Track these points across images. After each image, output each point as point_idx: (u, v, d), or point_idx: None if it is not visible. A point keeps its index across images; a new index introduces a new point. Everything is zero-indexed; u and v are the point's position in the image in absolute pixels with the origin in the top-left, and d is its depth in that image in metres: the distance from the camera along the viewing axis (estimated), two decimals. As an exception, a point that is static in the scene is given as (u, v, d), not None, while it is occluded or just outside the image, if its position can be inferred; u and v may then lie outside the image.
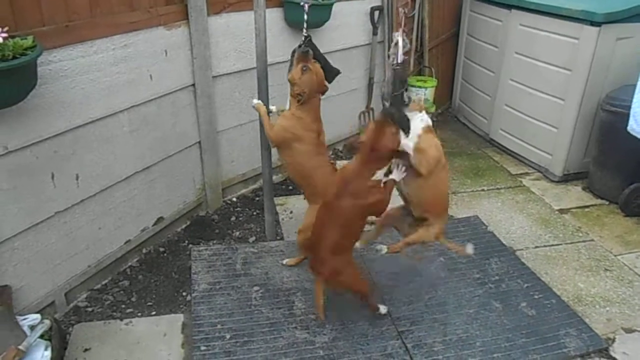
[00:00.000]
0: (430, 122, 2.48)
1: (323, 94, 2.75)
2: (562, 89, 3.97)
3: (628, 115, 3.39)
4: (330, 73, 2.93)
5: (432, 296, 2.80)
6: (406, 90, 2.42)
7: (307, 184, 2.83)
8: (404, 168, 2.43)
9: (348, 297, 2.60)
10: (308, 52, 2.64)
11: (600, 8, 3.64)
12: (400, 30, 2.41)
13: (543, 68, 4.12)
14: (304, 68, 2.61)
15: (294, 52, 2.64)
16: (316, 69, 2.66)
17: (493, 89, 4.75)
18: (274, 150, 3.06)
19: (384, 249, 2.63)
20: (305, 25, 2.77)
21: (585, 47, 3.73)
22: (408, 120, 2.35)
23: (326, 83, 2.74)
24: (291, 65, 2.65)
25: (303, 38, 2.71)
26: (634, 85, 3.34)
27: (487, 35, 4.82)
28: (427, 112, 2.48)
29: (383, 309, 2.63)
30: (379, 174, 2.32)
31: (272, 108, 2.88)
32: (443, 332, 2.57)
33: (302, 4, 2.85)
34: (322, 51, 3.11)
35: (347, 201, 2.31)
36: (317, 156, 2.76)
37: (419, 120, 2.47)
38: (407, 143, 2.38)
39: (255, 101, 2.86)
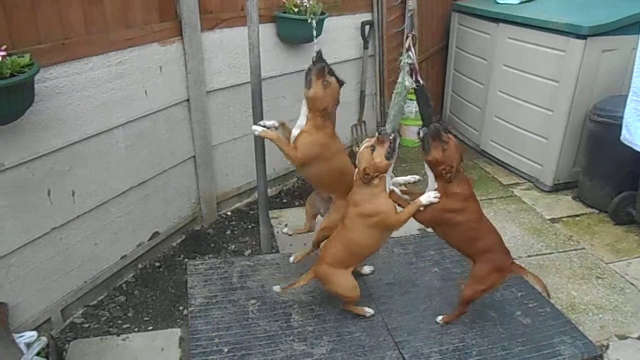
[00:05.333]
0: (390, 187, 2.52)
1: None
2: (550, 100, 4.04)
3: (615, 125, 3.46)
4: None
5: (427, 306, 2.82)
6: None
7: (342, 183, 2.76)
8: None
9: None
10: (324, 68, 2.62)
11: (586, 21, 3.73)
12: (412, 50, 2.47)
13: (531, 80, 4.19)
14: (325, 83, 2.59)
15: (309, 69, 2.67)
16: (333, 83, 2.65)
17: (483, 100, 4.82)
18: (268, 163, 3.09)
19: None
20: (315, 41, 2.81)
21: (572, 59, 3.81)
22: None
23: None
24: (308, 81, 2.63)
25: (315, 53, 2.73)
26: (620, 96, 3.41)
27: (475, 48, 4.90)
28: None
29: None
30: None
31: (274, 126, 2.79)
32: (440, 342, 2.59)
33: (309, 20, 2.89)
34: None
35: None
36: (345, 157, 2.81)
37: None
38: None
39: (258, 128, 2.71)
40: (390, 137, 2.40)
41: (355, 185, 2.51)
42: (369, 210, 2.45)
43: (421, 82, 2.44)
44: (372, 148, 2.40)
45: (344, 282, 2.59)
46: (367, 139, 2.48)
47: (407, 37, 2.53)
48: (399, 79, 2.41)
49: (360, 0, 4.40)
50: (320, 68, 2.61)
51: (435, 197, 2.40)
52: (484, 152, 4.92)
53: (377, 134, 2.44)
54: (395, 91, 2.48)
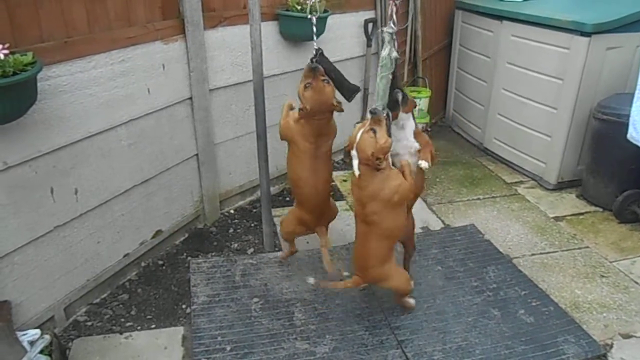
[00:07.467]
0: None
1: (332, 112, 2.66)
2: (554, 98, 4.02)
3: (619, 123, 3.44)
4: (347, 90, 2.82)
5: (430, 305, 2.82)
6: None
7: (294, 187, 2.85)
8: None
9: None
10: (316, 69, 2.57)
11: (590, 19, 3.71)
12: (394, 18, 2.40)
13: (535, 78, 4.17)
14: (307, 85, 2.57)
15: (306, 66, 2.65)
16: (319, 87, 2.56)
17: (486, 98, 4.80)
18: (271, 161, 3.09)
19: None
20: (315, 38, 2.77)
21: (576, 56, 3.79)
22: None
23: (335, 102, 2.62)
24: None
25: (314, 52, 2.68)
26: (625, 94, 3.39)
27: (479, 46, 4.88)
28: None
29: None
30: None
31: None
32: (442, 341, 2.58)
33: (309, 17, 2.86)
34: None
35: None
36: (309, 165, 2.68)
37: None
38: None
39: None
40: (383, 114, 2.33)
41: (363, 179, 2.35)
42: (388, 194, 2.34)
43: (398, 55, 2.44)
44: (373, 131, 2.29)
45: (397, 274, 2.58)
46: (359, 124, 2.35)
47: (390, 5, 2.46)
48: (383, 52, 2.33)
49: (364, -3, 4.39)
50: (311, 68, 2.58)
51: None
52: (487, 150, 4.91)
53: (369, 114, 2.31)
54: (380, 64, 2.40)
